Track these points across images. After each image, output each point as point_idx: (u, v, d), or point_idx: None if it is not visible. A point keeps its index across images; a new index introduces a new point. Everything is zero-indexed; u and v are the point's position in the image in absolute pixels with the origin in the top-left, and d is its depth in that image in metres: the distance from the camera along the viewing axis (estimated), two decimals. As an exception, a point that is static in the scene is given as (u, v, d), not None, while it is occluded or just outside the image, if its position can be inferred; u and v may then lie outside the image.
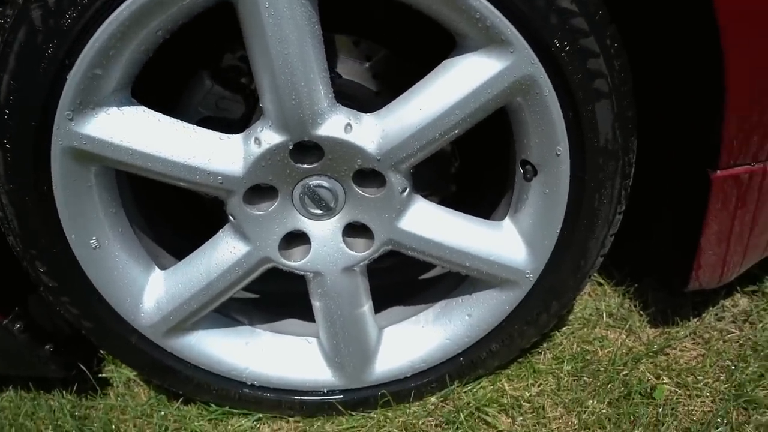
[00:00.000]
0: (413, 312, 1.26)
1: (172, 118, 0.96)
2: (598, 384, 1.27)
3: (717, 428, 1.18)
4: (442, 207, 1.09)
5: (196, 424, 1.27)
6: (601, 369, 1.30)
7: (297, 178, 1.00)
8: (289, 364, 1.25)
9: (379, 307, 1.22)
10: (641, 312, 1.41)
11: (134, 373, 1.37)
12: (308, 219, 1.06)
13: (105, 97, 0.91)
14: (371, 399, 1.26)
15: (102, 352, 1.38)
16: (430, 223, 1.07)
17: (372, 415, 1.26)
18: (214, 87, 1.11)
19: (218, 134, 0.97)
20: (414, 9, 0.87)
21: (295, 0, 0.83)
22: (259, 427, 1.28)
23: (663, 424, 1.20)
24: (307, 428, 1.27)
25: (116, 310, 1.12)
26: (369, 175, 1.00)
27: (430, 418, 1.25)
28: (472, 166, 1.27)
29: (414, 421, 1.24)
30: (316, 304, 1.15)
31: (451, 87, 0.91)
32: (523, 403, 1.26)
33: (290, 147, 0.95)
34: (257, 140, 0.95)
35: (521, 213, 1.08)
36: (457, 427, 1.23)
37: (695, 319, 1.39)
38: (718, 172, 1.00)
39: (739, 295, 1.43)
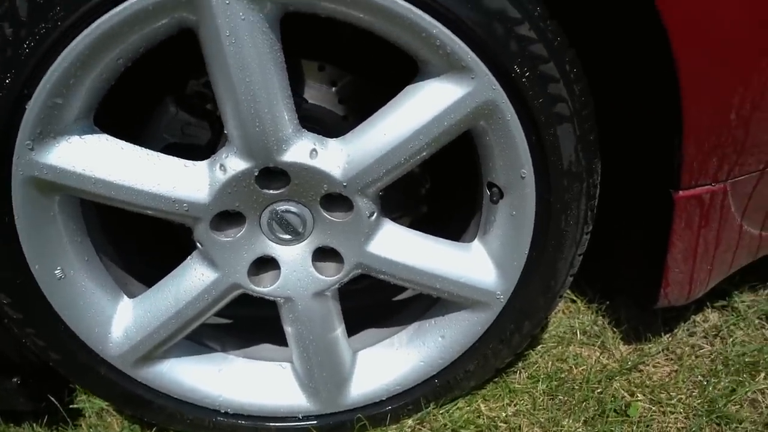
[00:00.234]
0: (387, 334, 1.26)
1: (135, 145, 0.95)
2: (573, 402, 1.28)
3: (690, 445, 1.19)
4: (412, 230, 1.09)
5: (169, 453, 1.25)
6: (576, 387, 1.30)
7: (264, 204, 1.00)
8: (263, 390, 1.23)
9: (352, 329, 1.21)
10: (614, 329, 1.42)
11: (107, 402, 1.35)
12: (277, 244, 1.05)
13: (66, 126, 0.90)
14: (347, 423, 1.25)
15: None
16: (400, 246, 1.07)
17: (348, 439, 1.25)
18: (179, 113, 1.10)
19: (183, 161, 0.97)
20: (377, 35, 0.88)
21: (256, 28, 0.83)
22: (232, 456, 1.26)
23: (638, 442, 1.20)
24: (282, 455, 1.25)
25: (84, 341, 1.10)
26: (336, 200, 1.00)
27: (406, 442, 1.25)
28: (442, 188, 1.28)
29: (390, 445, 1.23)
30: (288, 330, 1.14)
31: (415, 112, 0.92)
32: (500, 424, 1.26)
33: (256, 173, 0.95)
34: (222, 167, 0.95)
35: (490, 235, 1.08)
36: (433, 450, 1.22)
37: (667, 335, 1.40)
38: (680, 192, 1.01)
39: (709, 311, 1.44)
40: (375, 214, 1.01)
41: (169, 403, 1.21)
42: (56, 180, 0.92)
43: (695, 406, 1.25)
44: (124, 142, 0.95)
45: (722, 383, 1.28)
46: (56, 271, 1.02)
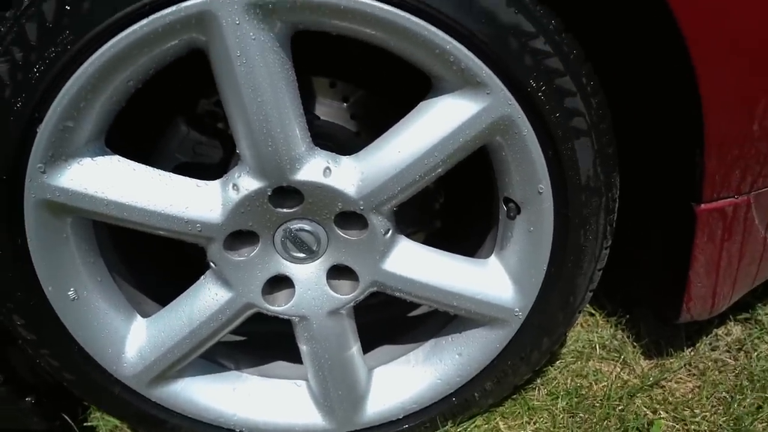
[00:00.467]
0: (403, 351, 1.24)
1: (147, 166, 0.95)
2: (594, 420, 1.25)
3: (717, 464, 1.16)
4: (427, 246, 1.07)
5: (183, 473, 1.24)
6: (597, 404, 1.28)
7: (278, 223, 0.99)
8: (277, 408, 1.22)
9: (367, 346, 1.20)
10: (634, 343, 1.39)
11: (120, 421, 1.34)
12: (291, 263, 1.04)
13: (78, 149, 0.90)
14: (363, 442, 1.23)
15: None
16: (416, 264, 1.05)
17: (364, 459, 1.23)
18: (190, 133, 1.10)
19: (195, 181, 0.96)
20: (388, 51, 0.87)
21: (266, 47, 0.82)
22: (247, 476, 1.25)
23: (662, 461, 1.17)
24: (297, 475, 1.24)
25: (97, 361, 1.09)
26: (351, 218, 0.99)
27: (423, 461, 1.22)
28: (456, 203, 1.26)
29: (407, 465, 1.21)
30: (303, 348, 1.13)
31: (430, 128, 0.90)
32: (519, 442, 1.24)
33: (269, 193, 0.94)
34: (235, 186, 0.94)
35: (507, 250, 1.06)
36: (451, 470, 1.20)
37: (689, 350, 1.37)
38: (702, 205, 0.99)
39: (732, 324, 1.41)
40: (390, 232, 1.00)
41: (184, 422, 1.20)
42: (68, 202, 0.92)
43: (720, 424, 1.22)
44: (135, 163, 0.95)
45: (748, 400, 1.25)
46: (69, 292, 1.02)
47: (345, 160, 0.95)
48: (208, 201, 0.95)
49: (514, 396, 1.30)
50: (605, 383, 1.32)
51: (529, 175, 0.94)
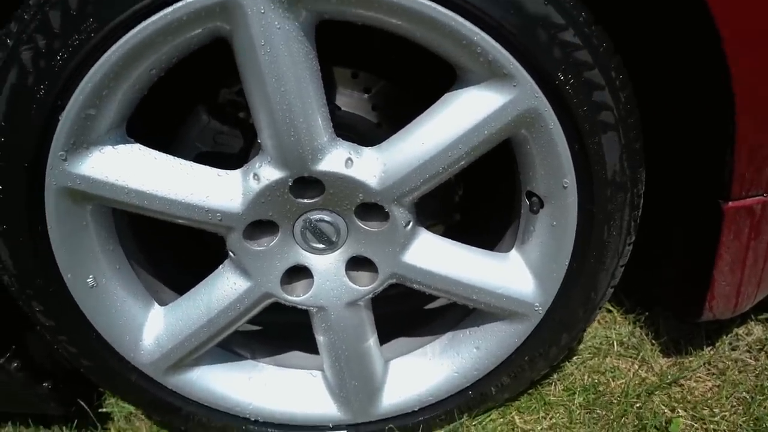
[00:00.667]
0: (420, 344, 1.24)
1: (168, 155, 0.94)
2: (611, 417, 1.24)
3: (736, 464, 1.14)
4: (448, 239, 1.06)
5: (198, 460, 1.25)
6: (614, 401, 1.27)
7: (298, 213, 0.98)
8: (293, 398, 1.22)
9: (384, 338, 1.19)
10: (653, 341, 1.38)
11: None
12: (310, 253, 1.03)
13: (99, 137, 0.89)
14: (379, 433, 1.23)
15: (102, 388, 1.36)
16: (436, 256, 1.04)
17: (379, 450, 1.23)
18: (211, 122, 1.09)
19: (216, 170, 0.95)
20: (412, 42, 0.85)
21: (291, 36, 0.81)
22: (262, 464, 1.25)
23: (680, 460, 1.16)
24: (312, 465, 1.24)
25: (115, 348, 1.09)
26: (372, 209, 0.98)
27: (438, 454, 1.22)
28: (476, 195, 1.25)
29: (422, 457, 1.21)
30: (320, 339, 1.13)
31: (454, 120, 0.89)
32: (534, 438, 1.23)
33: (290, 183, 0.93)
34: (256, 176, 0.93)
35: (528, 244, 1.05)
36: (466, 464, 1.19)
37: (709, 349, 1.35)
38: (730, 203, 0.97)
39: (753, 323, 1.39)
40: (411, 224, 0.99)
41: (199, 410, 1.20)
42: (89, 190, 0.91)
43: (740, 424, 1.20)
44: (156, 151, 0.94)
45: (768, 400, 1.23)
46: (88, 280, 1.02)
47: (367, 151, 0.94)
48: (228, 190, 0.95)
49: (531, 391, 1.30)
50: (623, 380, 1.30)
51: (554, 169, 0.93)
